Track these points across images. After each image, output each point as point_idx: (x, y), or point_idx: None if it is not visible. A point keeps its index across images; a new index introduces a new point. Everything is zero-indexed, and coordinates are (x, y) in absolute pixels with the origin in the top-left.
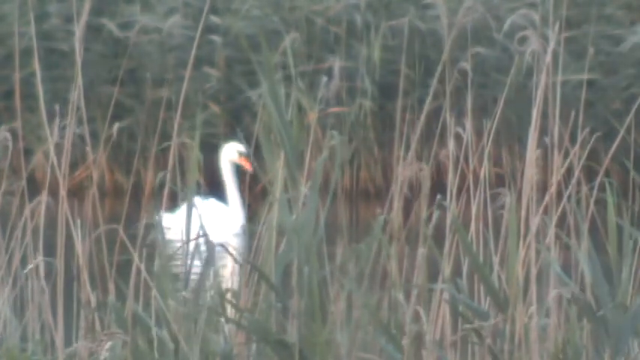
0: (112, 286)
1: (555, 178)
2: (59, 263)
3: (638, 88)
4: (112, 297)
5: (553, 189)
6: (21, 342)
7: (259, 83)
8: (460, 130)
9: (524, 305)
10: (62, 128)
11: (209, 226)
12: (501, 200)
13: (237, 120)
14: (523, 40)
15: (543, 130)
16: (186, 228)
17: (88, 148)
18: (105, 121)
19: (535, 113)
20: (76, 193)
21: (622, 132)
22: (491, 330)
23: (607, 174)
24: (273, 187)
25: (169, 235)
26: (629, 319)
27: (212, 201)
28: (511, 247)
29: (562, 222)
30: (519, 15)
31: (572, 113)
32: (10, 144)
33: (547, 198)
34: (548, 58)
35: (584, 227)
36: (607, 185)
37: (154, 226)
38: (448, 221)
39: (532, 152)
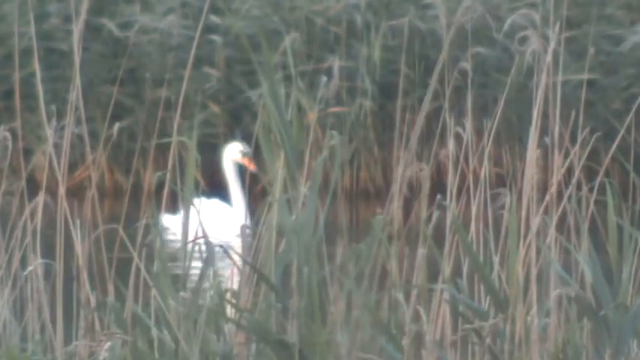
0: (111, 287)
1: (555, 178)
2: (58, 263)
3: (638, 88)
4: (111, 297)
5: (553, 189)
6: (21, 342)
7: (259, 83)
8: (460, 130)
9: (524, 305)
10: (61, 128)
11: (212, 227)
12: (501, 200)
13: (237, 120)
14: (523, 40)
15: (543, 130)
16: (183, 228)
17: (88, 148)
18: (104, 121)
19: (535, 113)
20: (76, 193)
21: (622, 132)
22: (491, 330)
23: (607, 174)
24: (272, 187)
25: (171, 236)
26: (630, 319)
27: (216, 201)
28: (511, 247)
29: (562, 222)
30: (519, 15)
31: (573, 113)
32: (10, 144)
33: (547, 198)
34: (549, 58)
35: (584, 227)
36: (607, 185)
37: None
38: (448, 221)
39: (532, 152)
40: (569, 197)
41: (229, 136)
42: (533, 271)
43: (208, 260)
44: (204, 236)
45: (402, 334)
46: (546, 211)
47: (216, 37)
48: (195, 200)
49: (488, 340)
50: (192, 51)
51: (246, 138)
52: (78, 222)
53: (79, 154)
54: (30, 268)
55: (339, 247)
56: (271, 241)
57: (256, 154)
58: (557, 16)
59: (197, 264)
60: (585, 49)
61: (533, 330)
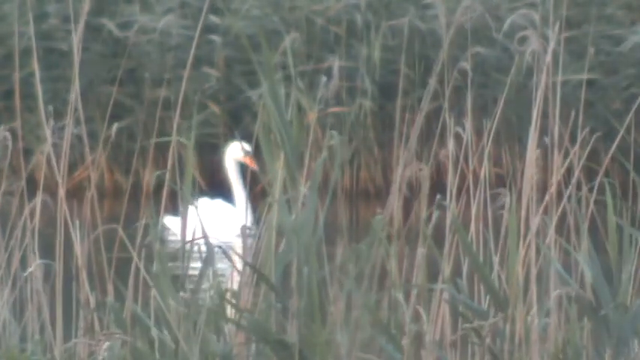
0: (110, 287)
1: (555, 178)
2: (58, 264)
3: (638, 88)
4: (110, 297)
5: (553, 189)
6: (20, 342)
7: (259, 83)
8: (460, 130)
9: (524, 305)
10: (60, 129)
11: (216, 228)
12: (501, 200)
13: (237, 120)
14: (523, 40)
15: (543, 130)
16: (182, 227)
17: (87, 149)
18: (104, 121)
19: (535, 113)
20: (76, 193)
21: (622, 132)
22: (490, 330)
23: (607, 174)
24: (272, 187)
25: (172, 236)
26: (630, 319)
27: (219, 202)
28: (511, 247)
29: (562, 222)
30: (519, 15)
31: (572, 113)
32: (10, 144)
33: (547, 198)
34: (548, 58)
35: (584, 227)
36: (607, 185)
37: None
38: (448, 221)
39: (532, 152)
40: (569, 197)
41: (229, 136)
42: (533, 271)
43: (208, 260)
44: (204, 236)
45: (401, 334)
46: (546, 211)
47: (215, 37)
48: (199, 200)
49: (488, 340)
50: (192, 51)
51: (246, 138)
52: (77, 222)
53: (79, 154)
54: (30, 269)
55: (339, 247)
56: (271, 241)
57: (256, 154)
58: (557, 16)
59: (197, 264)
60: (585, 49)
61: (533, 330)
